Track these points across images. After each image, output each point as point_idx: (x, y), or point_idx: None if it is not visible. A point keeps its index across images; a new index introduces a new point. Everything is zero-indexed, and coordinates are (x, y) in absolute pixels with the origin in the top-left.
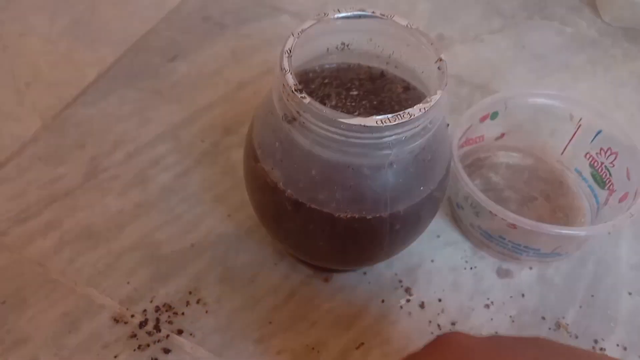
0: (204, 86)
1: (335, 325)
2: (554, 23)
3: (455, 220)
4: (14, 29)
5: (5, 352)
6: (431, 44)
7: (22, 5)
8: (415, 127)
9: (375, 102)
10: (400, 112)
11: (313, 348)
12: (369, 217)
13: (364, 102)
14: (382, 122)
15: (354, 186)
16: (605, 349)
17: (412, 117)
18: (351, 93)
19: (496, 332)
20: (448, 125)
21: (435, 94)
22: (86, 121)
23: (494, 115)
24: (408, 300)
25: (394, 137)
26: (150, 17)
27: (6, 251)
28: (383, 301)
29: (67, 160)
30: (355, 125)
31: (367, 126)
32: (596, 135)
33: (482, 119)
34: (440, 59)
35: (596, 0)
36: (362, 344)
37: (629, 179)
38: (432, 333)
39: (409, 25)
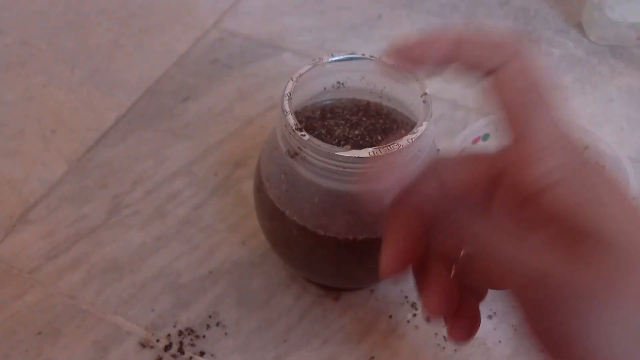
0: (214, 124)
1: (347, 341)
2: (542, 45)
3: None
4: (38, 81)
5: None
6: (416, 80)
7: (44, 59)
8: (405, 156)
9: (370, 129)
10: (390, 144)
11: None
12: (370, 239)
13: (360, 131)
14: (374, 153)
15: (354, 211)
16: None
17: (401, 147)
18: (348, 125)
19: (499, 342)
20: (439, 150)
21: (421, 125)
22: (107, 162)
23: (485, 137)
24: (414, 315)
25: None
26: (162, 63)
27: (39, 286)
28: (391, 316)
29: (91, 200)
30: (350, 157)
31: (360, 157)
32: (584, 151)
33: (475, 141)
34: (425, 93)
35: (582, 21)
36: (373, 357)
37: None
38: (438, 345)
39: (395, 65)
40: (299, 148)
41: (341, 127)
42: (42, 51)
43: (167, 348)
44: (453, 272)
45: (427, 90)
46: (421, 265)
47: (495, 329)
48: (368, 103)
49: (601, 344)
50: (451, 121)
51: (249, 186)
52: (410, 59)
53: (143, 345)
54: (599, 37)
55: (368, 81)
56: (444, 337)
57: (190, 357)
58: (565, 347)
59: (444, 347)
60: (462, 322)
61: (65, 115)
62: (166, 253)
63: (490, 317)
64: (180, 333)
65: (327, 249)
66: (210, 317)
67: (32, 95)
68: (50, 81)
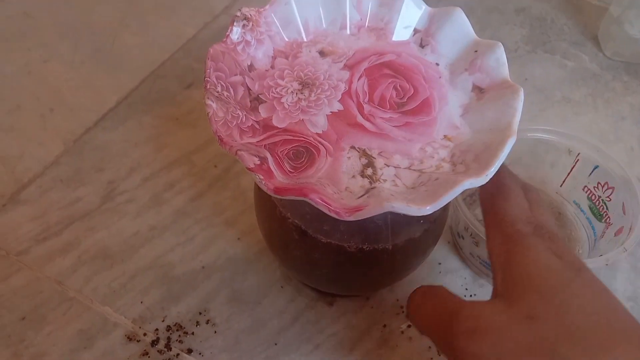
0: None
1: (338, 348)
2: (556, 57)
3: (456, 248)
4: (38, 56)
5: None
6: None
7: (46, 33)
8: None
9: None
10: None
11: None
12: (371, 248)
13: None
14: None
15: (359, 220)
16: None
17: None
18: None
19: None
20: None
21: None
22: (105, 146)
23: None
24: (409, 326)
25: None
26: (168, 46)
27: (27, 269)
28: (385, 326)
29: (86, 183)
30: None
31: None
32: (593, 169)
33: None
34: None
35: (598, 35)
36: None
37: (624, 213)
38: (431, 359)
39: None
40: None
41: None
42: (45, 25)
43: (154, 343)
44: None
45: None
46: None
47: None
48: None
49: None
50: None
51: (248, 181)
52: None
53: (129, 338)
54: (615, 52)
55: None
56: (438, 351)
57: (177, 354)
58: None
59: None
60: None
61: (65, 93)
62: (160, 244)
63: None
64: (168, 328)
65: (326, 256)
66: (200, 313)
67: (32, 70)
68: (52, 56)
